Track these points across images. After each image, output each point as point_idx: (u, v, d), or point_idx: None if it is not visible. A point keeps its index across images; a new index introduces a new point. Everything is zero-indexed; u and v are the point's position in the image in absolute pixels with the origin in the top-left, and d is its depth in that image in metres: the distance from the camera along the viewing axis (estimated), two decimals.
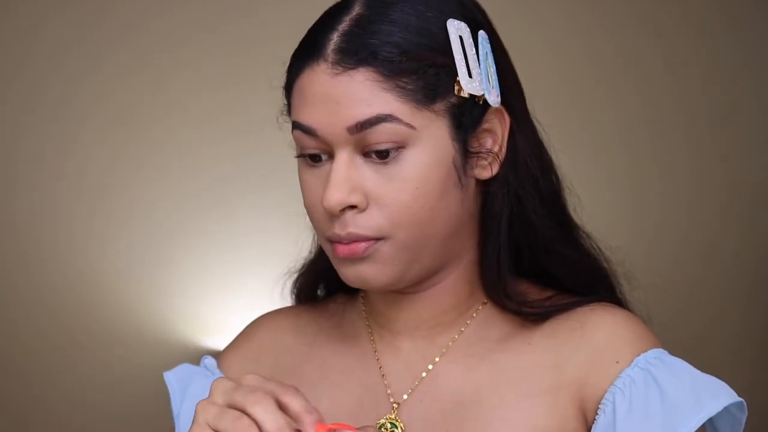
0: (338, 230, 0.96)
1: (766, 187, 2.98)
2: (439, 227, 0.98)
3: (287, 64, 1.01)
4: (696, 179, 2.96)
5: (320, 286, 1.16)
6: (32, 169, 2.78)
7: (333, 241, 0.97)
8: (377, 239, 0.96)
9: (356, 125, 0.93)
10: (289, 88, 1.00)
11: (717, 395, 0.95)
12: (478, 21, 1.00)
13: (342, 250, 0.97)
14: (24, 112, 2.77)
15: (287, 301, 1.19)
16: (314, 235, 1.12)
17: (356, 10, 0.97)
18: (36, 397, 2.78)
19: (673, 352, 1.03)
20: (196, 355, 2.75)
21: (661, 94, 2.95)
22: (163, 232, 2.83)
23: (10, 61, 2.76)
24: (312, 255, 1.14)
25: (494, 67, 1.00)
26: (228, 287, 2.84)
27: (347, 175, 0.95)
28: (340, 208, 0.95)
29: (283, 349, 1.12)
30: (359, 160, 0.95)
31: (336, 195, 0.94)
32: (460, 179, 0.98)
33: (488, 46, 1.00)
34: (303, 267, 1.16)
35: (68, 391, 2.78)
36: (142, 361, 2.80)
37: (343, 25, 0.96)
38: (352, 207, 0.95)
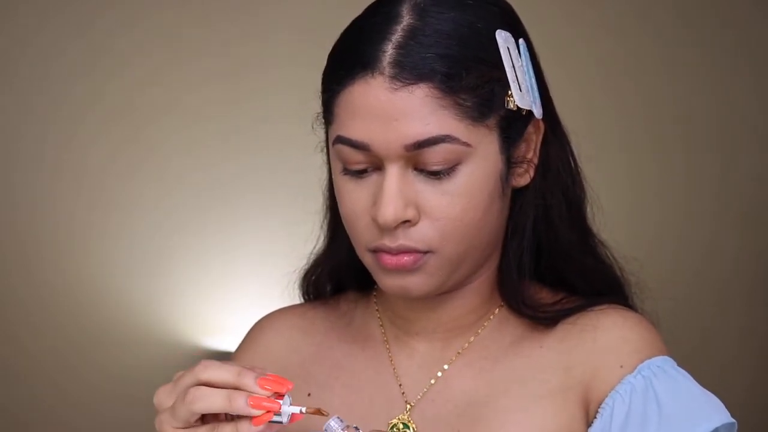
0: (388, 242, 0.95)
1: (766, 187, 2.99)
2: (483, 238, 0.98)
3: (324, 70, 0.98)
4: (695, 179, 2.96)
5: (330, 283, 1.15)
6: (31, 169, 2.78)
7: (379, 251, 0.97)
8: (425, 252, 0.96)
9: (414, 144, 0.92)
10: (330, 99, 0.97)
11: (710, 416, 0.96)
12: (517, 28, 1.00)
13: (390, 261, 0.96)
14: (22, 111, 2.77)
15: (289, 299, 1.19)
16: (321, 233, 1.12)
17: (406, 20, 0.94)
18: (34, 398, 2.78)
19: (674, 352, 1.03)
20: (196, 356, 2.76)
21: (660, 95, 2.95)
22: (163, 232, 2.83)
23: (7, 60, 2.76)
24: (321, 252, 1.13)
25: (534, 77, 0.99)
26: (228, 287, 2.83)
27: (400, 189, 0.94)
28: (397, 224, 0.94)
29: (291, 349, 1.12)
30: (411, 173, 0.94)
31: (391, 210, 0.93)
32: (503, 190, 0.98)
33: (527, 54, 0.99)
34: (312, 263, 1.15)
35: (67, 392, 2.78)
36: (141, 361, 2.80)
37: (397, 36, 0.93)
38: (405, 221, 0.95)
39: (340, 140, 0.95)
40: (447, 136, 0.92)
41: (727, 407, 0.98)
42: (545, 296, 1.06)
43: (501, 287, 1.05)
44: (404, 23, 0.93)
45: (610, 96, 2.92)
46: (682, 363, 1.01)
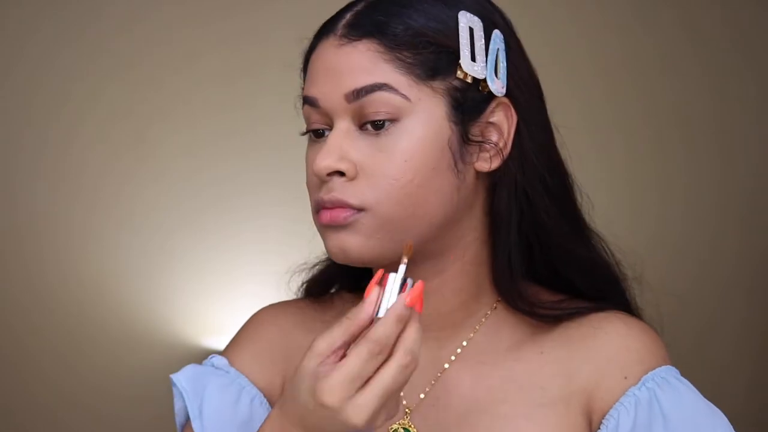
0: (323, 194, 0.97)
1: (766, 187, 2.99)
2: (430, 209, 0.97)
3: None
4: (695, 179, 2.96)
5: (325, 281, 1.15)
6: (31, 170, 2.78)
7: (319, 207, 0.98)
8: (360, 210, 0.96)
9: (353, 92, 0.95)
10: (304, 67, 1.03)
11: (715, 428, 0.97)
12: (495, 22, 1.01)
13: (324, 215, 0.98)
14: (22, 113, 2.77)
15: (288, 299, 1.18)
16: None
17: None
18: (34, 398, 2.78)
19: (673, 352, 1.03)
20: (196, 356, 2.76)
21: (660, 94, 2.95)
22: (163, 232, 2.83)
23: (6, 61, 2.76)
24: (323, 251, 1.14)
25: (504, 64, 1.00)
26: (228, 287, 2.84)
27: (340, 143, 0.97)
28: (327, 172, 0.96)
29: (294, 346, 1.11)
30: (356, 131, 0.97)
31: (325, 160, 0.96)
32: (456, 164, 0.97)
33: (501, 45, 1.00)
34: (316, 262, 1.16)
35: (68, 393, 2.78)
36: (141, 361, 2.80)
37: (358, 6, 0.99)
38: (341, 175, 0.96)
39: (303, 100, 1.01)
40: (384, 84, 0.95)
41: (728, 403, 0.98)
42: (543, 296, 1.05)
43: (495, 284, 1.04)
44: None
45: (611, 96, 2.92)
46: (684, 359, 1.02)
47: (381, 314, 0.86)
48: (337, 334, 0.86)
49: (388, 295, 0.87)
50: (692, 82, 2.96)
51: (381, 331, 0.85)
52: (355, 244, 0.97)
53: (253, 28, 2.81)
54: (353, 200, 0.96)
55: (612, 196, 2.80)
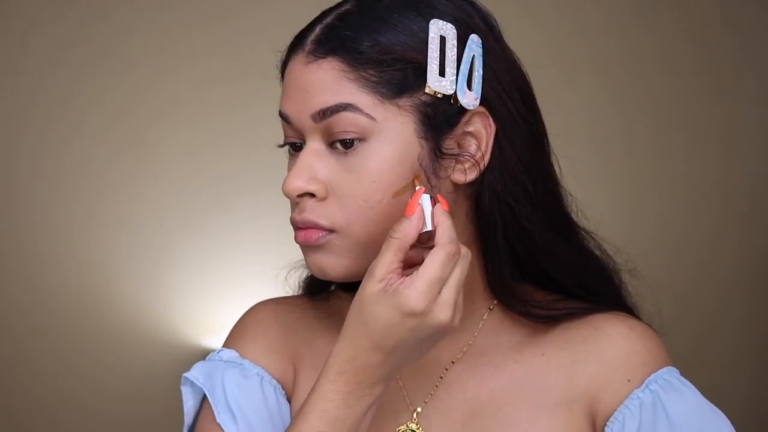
0: (296, 215, 0.97)
1: (766, 187, 2.99)
2: None
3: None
4: (695, 179, 2.96)
5: (332, 284, 1.15)
6: (32, 170, 2.78)
7: (293, 227, 0.99)
8: (331, 231, 0.96)
9: (319, 112, 0.94)
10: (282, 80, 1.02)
11: (719, 429, 0.97)
12: (472, 25, 0.98)
13: (298, 235, 0.98)
14: (24, 113, 2.77)
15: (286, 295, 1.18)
16: None
17: (346, 6, 0.98)
18: (34, 398, 2.78)
19: (674, 352, 1.03)
20: (196, 356, 2.76)
21: (660, 95, 2.95)
22: (163, 231, 2.83)
23: (9, 61, 2.76)
24: None
25: (480, 72, 0.97)
26: (228, 287, 2.83)
27: (310, 163, 0.96)
28: (296, 194, 0.96)
29: (297, 341, 1.12)
30: (326, 150, 0.96)
31: (294, 182, 0.96)
32: (428, 180, 0.96)
33: (478, 50, 0.97)
34: None
35: (67, 392, 2.78)
36: (142, 361, 2.80)
37: (329, 19, 0.97)
38: (312, 195, 0.96)
39: (279, 113, 0.99)
40: (349, 104, 0.94)
41: (728, 403, 0.98)
42: (539, 297, 1.05)
43: (490, 285, 1.04)
44: (342, 9, 0.98)
45: (611, 96, 2.92)
46: (684, 359, 1.02)
47: (429, 226, 0.92)
48: (390, 255, 0.90)
49: (427, 208, 0.93)
50: (692, 82, 2.95)
51: (450, 234, 0.90)
52: (329, 264, 0.97)
53: (252, 29, 2.80)
54: (324, 221, 0.96)
55: (612, 196, 2.80)
